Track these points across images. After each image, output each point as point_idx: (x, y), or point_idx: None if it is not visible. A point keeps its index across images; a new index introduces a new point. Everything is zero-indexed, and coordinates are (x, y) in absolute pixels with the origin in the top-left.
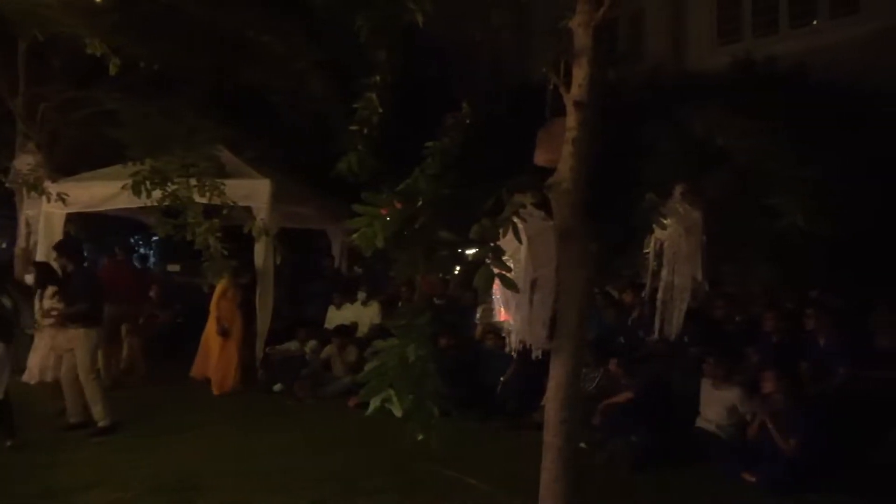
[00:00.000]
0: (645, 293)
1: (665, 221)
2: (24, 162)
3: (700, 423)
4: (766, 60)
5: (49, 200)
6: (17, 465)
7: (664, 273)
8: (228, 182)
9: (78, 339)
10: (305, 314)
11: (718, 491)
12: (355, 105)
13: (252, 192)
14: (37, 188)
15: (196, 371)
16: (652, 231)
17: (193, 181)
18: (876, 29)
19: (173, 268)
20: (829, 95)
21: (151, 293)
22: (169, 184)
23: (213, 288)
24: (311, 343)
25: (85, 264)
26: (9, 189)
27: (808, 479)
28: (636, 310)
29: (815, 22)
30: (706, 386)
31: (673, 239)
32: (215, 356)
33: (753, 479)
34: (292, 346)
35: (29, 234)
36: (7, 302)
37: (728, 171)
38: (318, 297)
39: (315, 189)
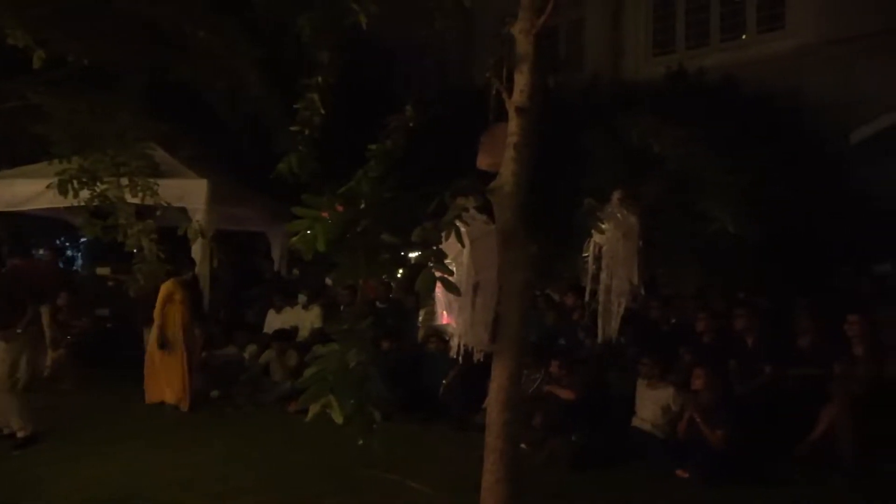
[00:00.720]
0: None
1: (603, 226)
2: None
3: (636, 422)
4: (698, 72)
5: None
6: None
7: (603, 276)
8: (163, 182)
9: None
10: (244, 318)
11: (653, 487)
12: (296, 105)
13: (188, 192)
14: None
15: (150, 395)
16: (591, 235)
17: (125, 181)
18: (799, 45)
19: (103, 270)
20: (755, 106)
21: (60, 300)
22: (98, 183)
23: (142, 292)
24: (251, 348)
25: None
26: None
27: (735, 473)
28: (576, 312)
29: (743, 36)
30: (642, 386)
31: (611, 243)
32: (163, 372)
33: (686, 475)
34: (230, 350)
35: None
36: None
37: (662, 177)
38: (257, 301)
39: (254, 190)
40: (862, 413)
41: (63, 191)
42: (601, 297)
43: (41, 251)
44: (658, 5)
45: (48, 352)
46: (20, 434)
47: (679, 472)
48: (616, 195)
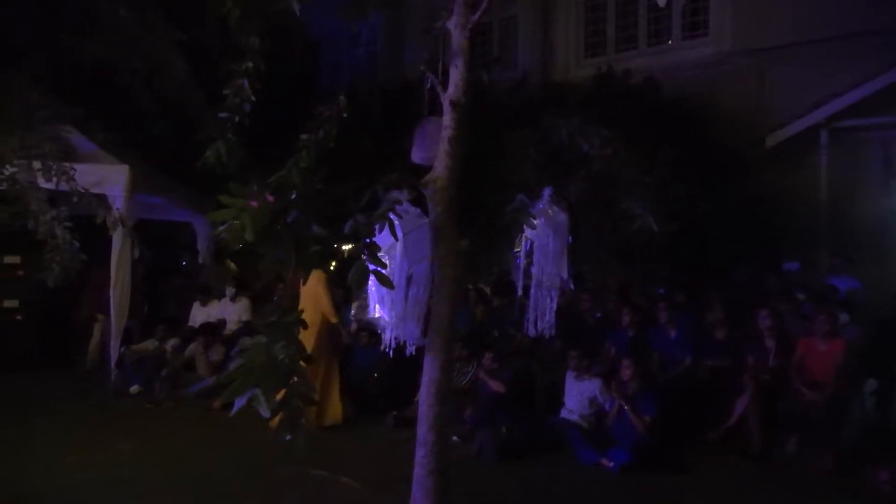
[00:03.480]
0: (519, 290)
1: (535, 221)
2: None
3: (564, 413)
4: (624, 74)
5: None
6: None
7: (534, 271)
8: (79, 167)
9: None
10: (165, 311)
11: (577, 477)
12: (225, 91)
13: (106, 178)
14: None
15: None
16: (522, 231)
17: (37, 164)
18: (717, 52)
19: (11, 259)
20: (673, 109)
21: None
22: (7, 166)
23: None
24: (173, 341)
25: None
26: None
27: (654, 461)
28: (506, 306)
29: (669, 42)
30: (570, 378)
31: (542, 239)
32: None
33: (611, 464)
34: (150, 345)
35: None
36: None
37: (588, 176)
38: (178, 293)
39: (177, 179)
40: (769, 401)
41: None
42: (532, 292)
43: None
44: (589, 9)
45: None
46: None
47: (602, 461)
48: (547, 192)
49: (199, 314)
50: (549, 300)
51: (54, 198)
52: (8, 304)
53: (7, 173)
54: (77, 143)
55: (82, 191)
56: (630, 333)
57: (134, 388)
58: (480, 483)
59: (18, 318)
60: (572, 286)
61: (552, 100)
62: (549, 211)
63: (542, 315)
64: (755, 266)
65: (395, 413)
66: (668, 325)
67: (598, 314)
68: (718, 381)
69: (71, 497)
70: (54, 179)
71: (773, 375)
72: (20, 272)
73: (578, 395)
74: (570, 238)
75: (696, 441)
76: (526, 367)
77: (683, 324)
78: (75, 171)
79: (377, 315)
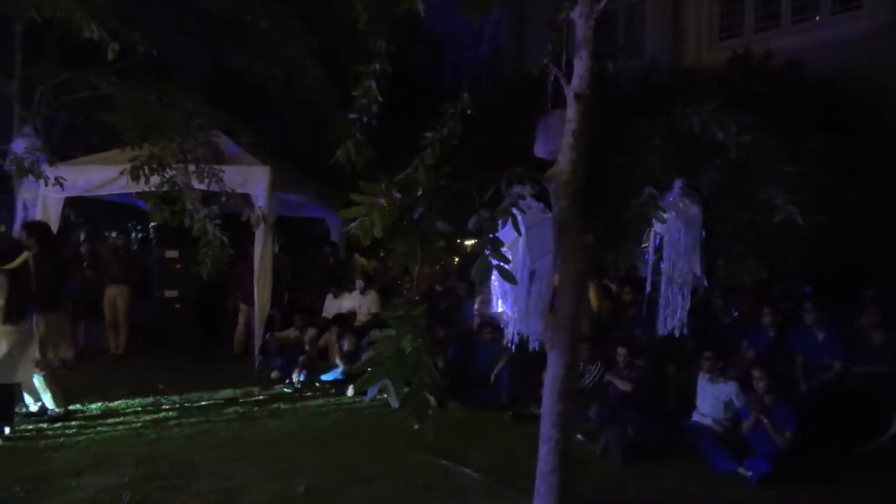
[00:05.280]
0: (647, 287)
1: (665, 215)
2: (21, 145)
3: (696, 416)
4: (764, 56)
5: (46, 184)
6: (14, 451)
7: (665, 267)
8: (227, 168)
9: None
10: (303, 302)
11: (709, 483)
12: (354, 93)
13: (250, 178)
14: (34, 172)
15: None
16: (650, 225)
17: (192, 167)
18: (875, 26)
19: (171, 254)
20: (818, 91)
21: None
22: (167, 170)
23: (218, 275)
24: (310, 331)
25: (52, 249)
26: (6, 172)
27: (797, 473)
28: (633, 304)
29: (817, 17)
30: (703, 380)
31: (672, 233)
32: None
33: (749, 474)
34: (291, 333)
35: (26, 217)
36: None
37: (723, 166)
38: (314, 285)
39: (311, 177)
40: None
41: (135, 177)
42: (663, 289)
43: (113, 234)
44: None
45: (121, 330)
46: (55, 410)
47: (740, 470)
48: (678, 184)
49: (333, 305)
50: (680, 298)
51: (206, 197)
52: (169, 294)
53: (168, 176)
54: (225, 146)
55: (230, 191)
56: (770, 335)
57: (275, 374)
58: (605, 483)
59: (177, 306)
60: (706, 283)
61: (682, 87)
62: (681, 204)
63: (672, 313)
64: None
65: (513, 409)
66: (815, 327)
67: (735, 313)
68: (874, 390)
69: (223, 469)
70: (206, 181)
71: None
72: (178, 265)
73: (712, 398)
74: (704, 232)
75: (847, 454)
76: (656, 366)
77: (832, 326)
78: (224, 172)
79: (500, 310)
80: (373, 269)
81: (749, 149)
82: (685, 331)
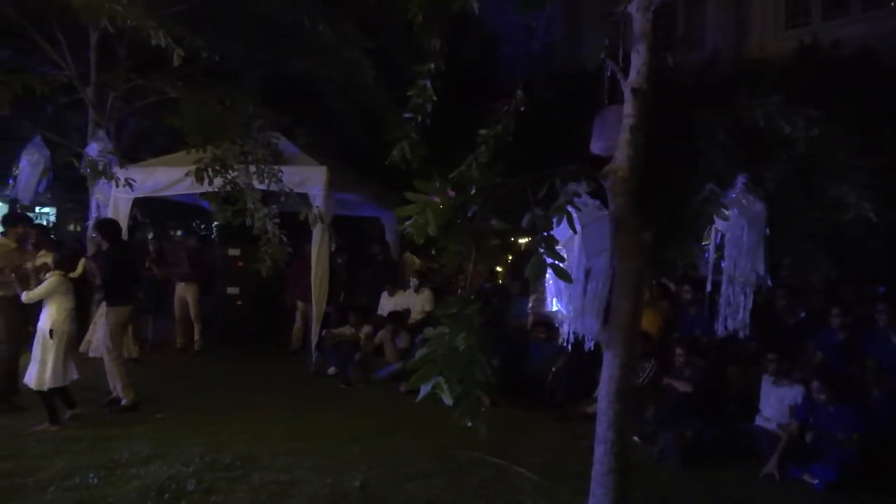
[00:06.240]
0: (708, 286)
1: (726, 212)
2: (95, 148)
3: (759, 420)
4: (833, 45)
5: (117, 185)
6: (82, 438)
7: (726, 266)
8: (285, 169)
9: (104, 316)
10: (358, 299)
11: (772, 490)
12: (409, 93)
13: (308, 178)
14: (107, 174)
15: None
16: (712, 222)
17: (252, 168)
18: None
19: (233, 252)
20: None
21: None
22: (229, 171)
23: (277, 272)
24: (365, 328)
25: (122, 245)
26: (81, 175)
27: (866, 481)
28: (693, 304)
29: (892, 3)
30: (767, 382)
31: (734, 230)
32: None
33: (815, 481)
34: (346, 330)
35: (99, 217)
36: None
37: (789, 161)
38: (369, 283)
39: (367, 177)
40: None
41: (199, 178)
42: (724, 288)
43: (178, 233)
44: None
45: (195, 327)
46: (123, 402)
47: (805, 477)
48: (741, 180)
49: (387, 303)
50: (742, 297)
51: (265, 197)
52: (231, 290)
53: (230, 177)
54: (283, 147)
55: (288, 190)
56: (840, 337)
57: (331, 370)
58: (663, 487)
59: (239, 303)
60: (770, 283)
61: (746, 78)
62: (744, 200)
63: (733, 313)
64: None
65: (563, 408)
66: (890, 329)
67: (802, 314)
68: None
69: (280, 461)
70: (266, 181)
71: None
72: (240, 263)
73: (777, 402)
74: (768, 230)
75: None
76: (716, 367)
77: None
78: (282, 172)
79: (555, 309)
80: (421, 267)
81: (818, 143)
82: (746, 332)
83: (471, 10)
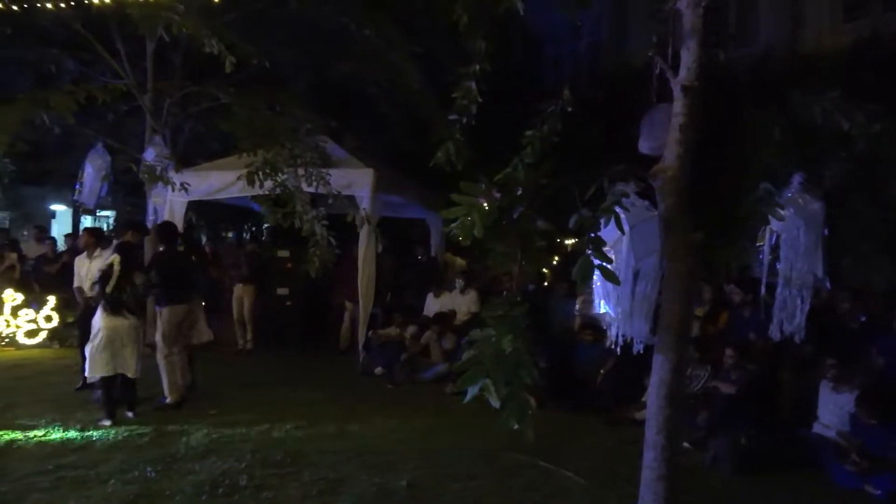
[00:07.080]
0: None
1: (782, 212)
2: (152, 154)
3: (817, 427)
4: (894, 37)
5: (173, 189)
6: (143, 435)
7: (782, 268)
8: (333, 171)
9: (158, 317)
10: (404, 300)
11: (831, 501)
12: (454, 95)
13: (355, 181)
14: (163, 178)
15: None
16: (767, 222)
17: (301, 171)
18: None
19: (283, 253)
20: None
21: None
22: (279, 174)
23: (325, 273)
24: (411, 329)
25: (179, 247)
26: (139, 179)
27: None
28: (747, 306)
29: None
30: (825, 388)
31: (790, 231)
32: None
33: (877, 492)
34: (392, 331)
35: (156, 220)
36: (138, 280)
37: (848, 159)
38: (415, 284)
39: (412, 179)
40: None
41: (251, 181)
42: (779, 290)
43: (229, 234)
44: None
45: (248, 327)
46: (168, 400)
47: (867, 488)
48: (797, 179)
49: (433, 304)
50: (799, 300)
51: (314, 199)
52: (280, 291)
53: (280, 180)
54: (331, 150)
55: (336, 193)
56: None
57: (378, 370)
58: (715, 494)
59: (288, 303)
60: (829, 285)
61: (801, 74)
62: (800, 200)
63: (790, 317)
64: None
65: (610, 412)
66: None
67: (863, 317)
68: None
69: (328, 459)
70: (314, 184)
71: None
72: (289, 264)
73: (836, 408)
74: (826, 230)
75: None
76: (769, 373)
77: None
78: (330, 175)
79: (602, 311)
80: (464, 268)
81: (879, 139)
82: (802, 335)
83: (516, 10)
